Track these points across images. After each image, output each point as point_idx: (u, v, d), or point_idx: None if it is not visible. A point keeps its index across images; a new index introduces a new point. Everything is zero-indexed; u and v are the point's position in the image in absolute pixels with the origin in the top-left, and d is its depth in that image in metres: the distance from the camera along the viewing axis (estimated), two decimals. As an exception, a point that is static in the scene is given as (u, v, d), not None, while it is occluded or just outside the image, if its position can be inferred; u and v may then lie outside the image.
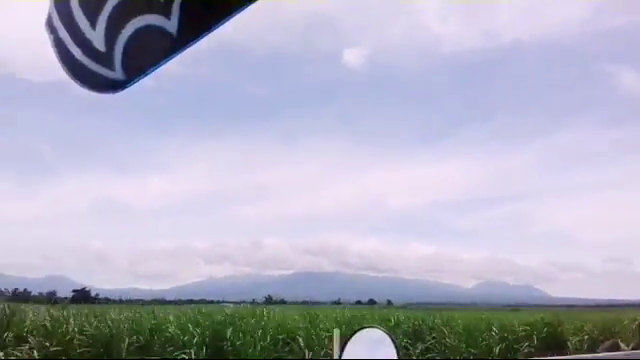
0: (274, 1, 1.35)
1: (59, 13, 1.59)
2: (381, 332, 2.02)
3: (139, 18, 1.45)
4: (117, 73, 1.51)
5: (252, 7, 1.34)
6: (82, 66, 1.56)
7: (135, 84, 1.53)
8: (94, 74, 1.54)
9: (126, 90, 1.56)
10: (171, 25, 1.40)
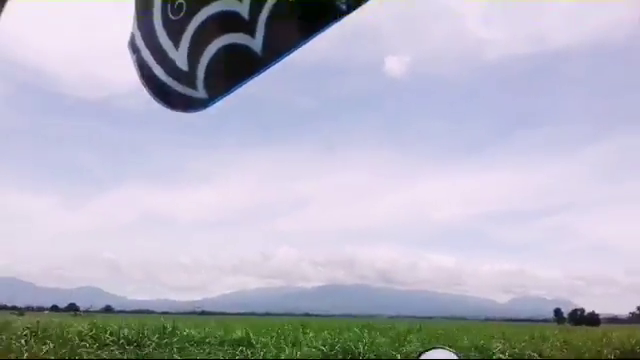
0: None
1: (142, 34, 1.61)
2: (449, 353, 1.91)
3: (223, 37, 1.46)
4: (199, 92, 1.52)
5: None
6: (164, 85, 1.58)
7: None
8: (176, 93, 1.56)
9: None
10: (256, 43, 1.40)
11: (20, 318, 29.59)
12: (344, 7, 1.28)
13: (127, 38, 1.65)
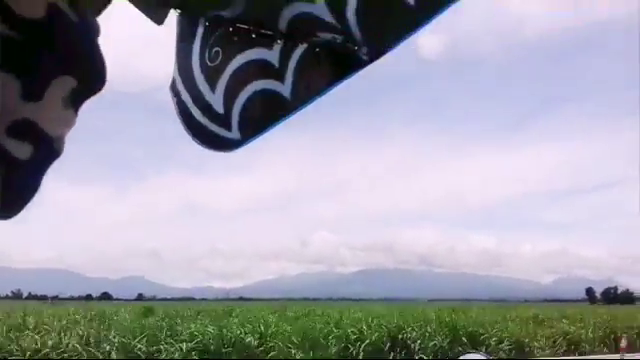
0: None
1: (182, 78, 1.75)
2: (484, 358, 1.91)
3: (255, 82, 1.59)
4: (234, 133, 1.66)
5: None
6: (202, 126, 1.72)
7: None
8: (213, 134, 1.70)
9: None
10: (285, 89, 1.53)
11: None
12: (366, 57, 1.38)
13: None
